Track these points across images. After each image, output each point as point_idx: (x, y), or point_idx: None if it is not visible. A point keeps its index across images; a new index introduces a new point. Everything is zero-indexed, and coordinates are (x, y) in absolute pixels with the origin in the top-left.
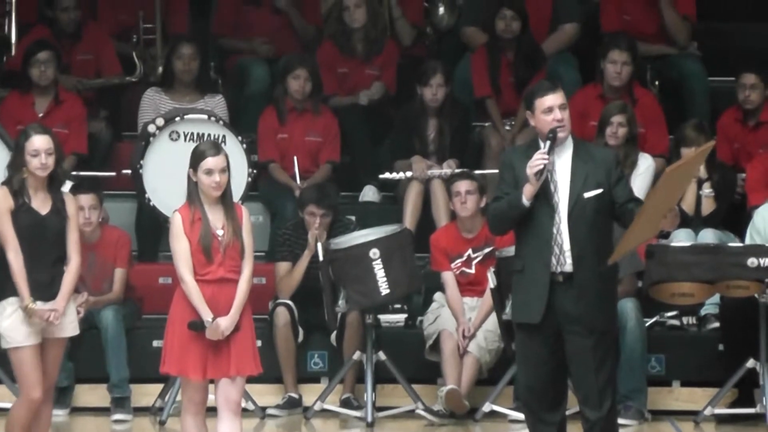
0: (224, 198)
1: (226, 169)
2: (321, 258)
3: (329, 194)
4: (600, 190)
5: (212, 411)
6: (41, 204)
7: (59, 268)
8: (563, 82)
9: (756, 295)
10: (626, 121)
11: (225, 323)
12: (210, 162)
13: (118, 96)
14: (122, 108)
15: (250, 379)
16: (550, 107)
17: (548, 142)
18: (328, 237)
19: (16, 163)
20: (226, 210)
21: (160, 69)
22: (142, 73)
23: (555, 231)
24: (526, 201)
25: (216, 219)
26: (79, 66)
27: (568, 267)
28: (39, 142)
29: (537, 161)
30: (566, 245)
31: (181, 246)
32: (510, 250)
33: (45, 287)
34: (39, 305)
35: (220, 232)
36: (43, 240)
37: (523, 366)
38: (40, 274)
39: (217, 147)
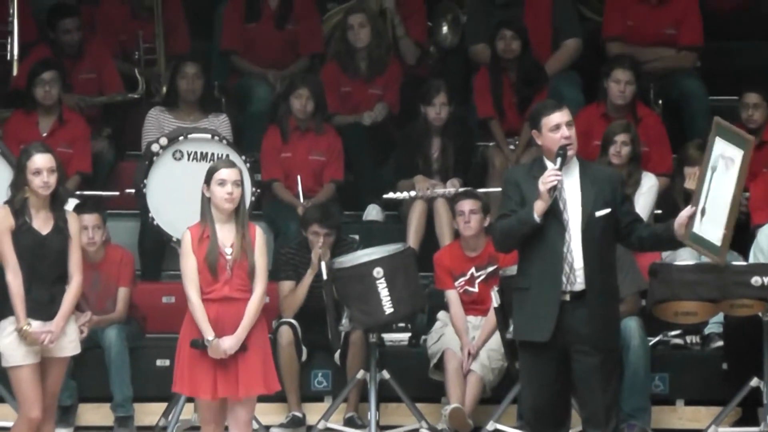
0: (237, 216)
1: (240, 183)
2: (324, 277)
3: (333, 214)
4: (609, 210)
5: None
6: (43, 223)
7: (60, 287)
8: (566, 102)
9: (760, 314)
10: (630, 141)
11: (228, 343)
12: (224, 173)
13: (122, 115)
14: (126, 127)
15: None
16: (558, 125)
17: (559, 159)
18: (331, 256)
19: (18, 183)
20: (238, 228)
21: (164, 89)
22: (144, 90)
23: (565, 249)
24: (537, 218)
25: (226, 237)
26: (81, 84)
27: (578, 286)
28: (41, 161)
29: (551, 178)
30: (577, 264)
31: (188, 264)
32: (514, 269)
33: (45, 306)
34: (35, 326)
35: (228, 251)
36: (43, 259)
37: (528, 385)
38: (40, 293)
39: (231, 162)
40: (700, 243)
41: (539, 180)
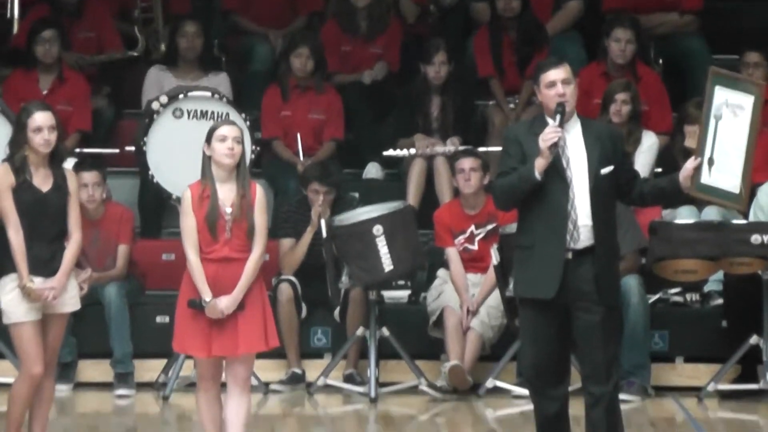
0: (238, 174)
1: (241, 140)
2: (324, 234)
3: (332, 172)
4: (612, 167)
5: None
6: (42, 181)
7: (60, 244)
8: (569, 60)
9: (759, 272)
10: (630, 99)
11: (225, 303)
12: (225, 129)
13: (121, 73)
14: (125, 85)
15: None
16: (553, 81)
17: (558, 116)
18: (331, 214)
19: (18, 141)
20: (239, 188)
21: (163, 47)
22: (144, 47)
23: (569, 207)
24: (538, 175)
25: (226, 197)
26: (80, 43)
27: (581, 243)
28: (41, 118)
29: (551, 134)
30: (580, 221)
31: (187, 223)
32: (513, 227)
33: (45, 263)
34: (37, 283)
35: (228, 210)
36: (44, 217)
37: (528, 342)
38: (40, 250)
39: (231, 122)
40: (711, 192)
41: (539, 137)
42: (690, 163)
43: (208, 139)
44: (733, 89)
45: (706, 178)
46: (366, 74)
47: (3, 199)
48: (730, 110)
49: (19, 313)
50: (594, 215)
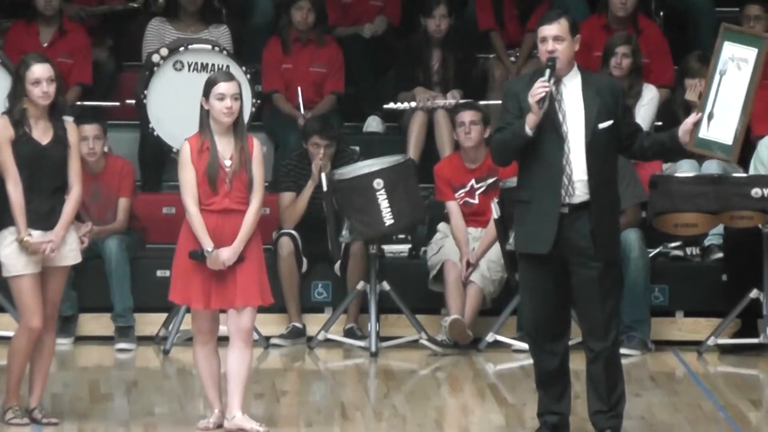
0: (236, 128)
1: (239, 97)
2: (325, 188)
3: (333, 125)
4: (611, 122)
5: (224, 341)
6: (42, 134)
7: (60, 197)
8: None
9: (760, 226)
10: (630, 52)
11: (226, 254)
12: (222, 86)
13: (122, 26)
14: (126, 38)
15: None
16: (544, 37)
17: (548, 71)
18: (332, 167)
19: (17, 93)
20: (237, 141)
21: (160, 0)
22: None
23: (564, 162)
24: (529, 130)
25: (225, 149)
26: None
27: (577, 198)
28: (40, 70)
29: (538, 90)
30: (575, 176)
31: (187, 175)
32: (514, 181)
33: (45, 217)
34: (35, 236)
35: (227, 163)
36: (43, 170)
37: (528, 296)
38: (40, 203)
39: (229, 75)
40: (707, 146)
41: (528, 93)
42: (691, 118)
43: (206, 94)
44: (740, 43)
45: (704, 133)
46: (366, 29)
47: (2, 152)
48: (734, 64)
49: (19, 265)
50: (590, 170)
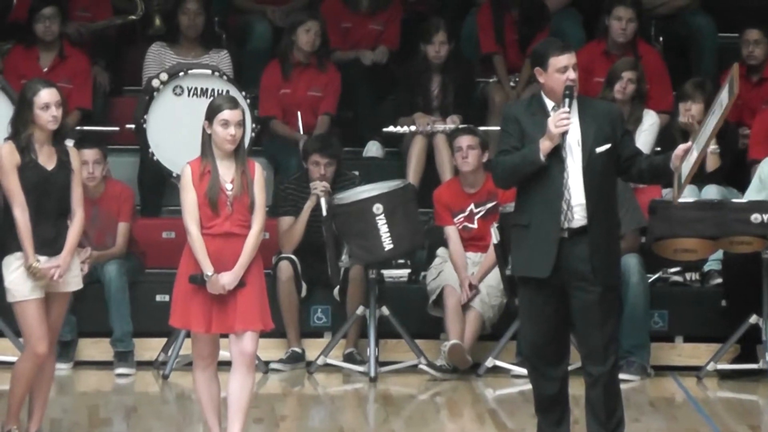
0: (237, 153)
1: (242, 123)
2: (324, 213)
3: (333, 143)
4: (609, 145)
5: (224, 365)
6: (47, 159)
7: (63, 222)
8: (567, 40)
9: (759, 251)
10: (636, 78)
11: (227, 278)
12: (227, 114)
13: (121, 50)
14: (125, 62)
15: None
16: (566, 66)
17: (567, 100)
18: (332, 191)
19: (24, 118)
20: (238, 164)
21: (157, 21)
22: (143, 11)
23: (563, 187)
24: (543, 157)
25: (226, 173)
26: (77, 20)
27: (576, 222)
28: (48, 95)
29: (563, 120)
30: (574, 201)
31: (188, 197)
32: (513, 206)
33: (50, 242)
34: (43, 262)
35: (228, 186)
36: (48, 195)
37: (527, 321)
38: (46, 229)
39: (234, 101)
40: (678, 177)
41: (549, 121)
42: (683, 145)
43: (209, 118)
44: (729, 88)
45: (687, 162)
46: (366, 56)
47: (9, 179)
48: (718, 103)
49: (24, 291)
50: (588, 194)
